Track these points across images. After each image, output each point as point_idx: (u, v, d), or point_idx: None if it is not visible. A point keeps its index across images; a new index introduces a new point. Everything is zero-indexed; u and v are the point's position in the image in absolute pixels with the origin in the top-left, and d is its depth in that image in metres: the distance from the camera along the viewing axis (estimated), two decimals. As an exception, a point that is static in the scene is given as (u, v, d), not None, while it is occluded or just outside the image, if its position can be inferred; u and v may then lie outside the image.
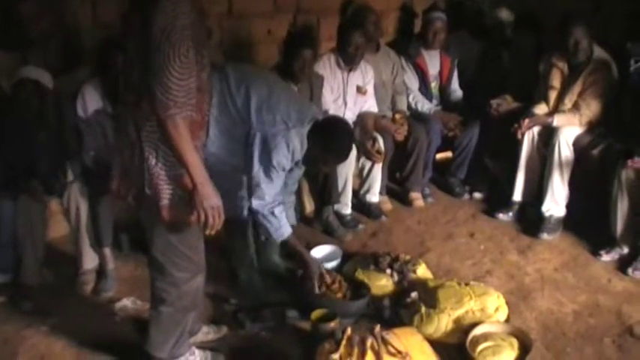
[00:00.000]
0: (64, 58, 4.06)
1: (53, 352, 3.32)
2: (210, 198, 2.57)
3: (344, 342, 2.83)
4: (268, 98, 3.29)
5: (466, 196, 5.20)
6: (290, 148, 3.29)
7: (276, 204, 3.42)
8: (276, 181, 3.36)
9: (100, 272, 3.89)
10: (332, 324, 3.23)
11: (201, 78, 2.55)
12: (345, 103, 4.64)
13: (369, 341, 2.81)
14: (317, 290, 3.55)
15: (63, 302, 3.71)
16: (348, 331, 2.89)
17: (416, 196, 5.03)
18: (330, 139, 3.42)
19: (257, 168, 3.32)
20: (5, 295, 3.75)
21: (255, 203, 3.37)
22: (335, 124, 3.55)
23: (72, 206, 3.75)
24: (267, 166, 3.30)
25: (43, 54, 3.95)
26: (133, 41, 2.53)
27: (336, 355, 2.75)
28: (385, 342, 2.84)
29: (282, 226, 3.46)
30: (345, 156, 3.61)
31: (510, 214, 4.76)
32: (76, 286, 3.84)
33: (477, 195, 5.18)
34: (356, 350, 2.78)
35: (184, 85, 2.42)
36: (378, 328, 2.92)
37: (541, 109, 4.62)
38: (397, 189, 5.20)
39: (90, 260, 3.87)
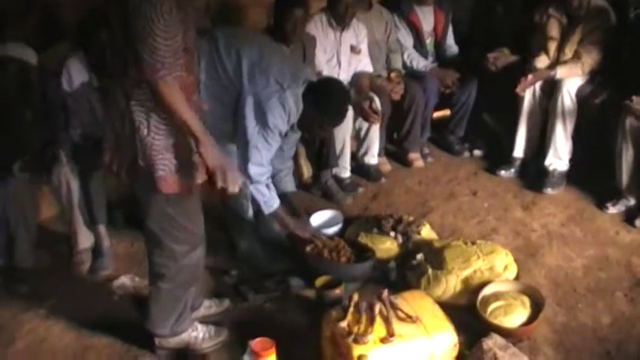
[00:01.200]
0: (45, 33, 3.91)
1: (52, 335, 3.23)
2: (216, 157, 2.53)
3: (351, 309, 2.73)
4: (260, 60, 3.18)
5: (466, 153, 5.09)
6: (286, 109, 3.19)
7: (270, 173, 3.34)
8: (272, 144, 3.27)
9: (96, 251, 3.78)
10: (337, 290, 3.15)
11: (188, 37, 2.44)
12: (339, 64, 4.50)
13: (378, 307, 2.71)
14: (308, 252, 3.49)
15: (59, 283, 3.62)
16: (355, 297, 2.80)
17: (415, 157, 4.93)
18: (326, 100, 3.30)
19: (252, 131, 3.21)
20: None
21: (254, 170, 3.27)
22: (330, 85, 3.43)
23: (62, 185, 3.62)
24: (264, 129, 3.19)
25: (22, 29, 3.79)
26: (114, 7, 2.40)
27: (343, 323, 2.65)
28: (394, 307, 2.74)
29: (273, 197, 3.39)
30: (341, 118, 3.50)
31: (512, 170, 4.66)
32: (72, 267, 3.74)
33: (477, 152, 5.07)
34: (364, 317, 2.68)
35: (171, 44, 2.34)
36: (385, 292, 2.82)
37: (542, 61, 4.49)
38: (395, 150, 5.09)
39: (85, 239, 3.76)
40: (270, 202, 3.38)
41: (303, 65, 3.59)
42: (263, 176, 3.31)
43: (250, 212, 3.68)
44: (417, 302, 2.82)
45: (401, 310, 2.72)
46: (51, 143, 3.62)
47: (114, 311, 3.36)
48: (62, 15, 4.10)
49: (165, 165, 2.53)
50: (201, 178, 2.65)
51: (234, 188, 2.59)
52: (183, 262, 2.77)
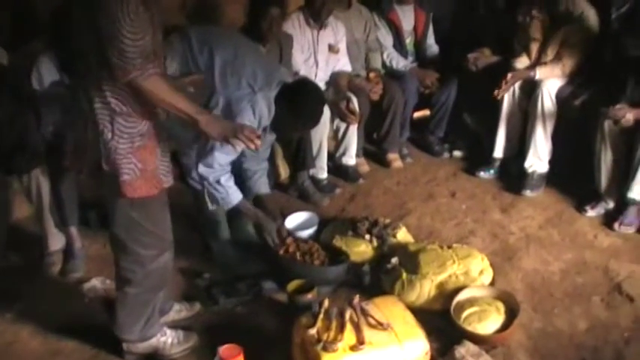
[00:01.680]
0: (17, 30, 3.82)
1: (20, 338, 3.17)
2: (216, 123, 2.55)
3: (321, 315, 2.68)
4: (233, 60, 3.13)
5: (446, 154, 5.05)
6: (256, 114, 3.12)
7: (222, 172, 3.27)
8: (231, 149, 3.18)
9: (67, 252, 3.72)
10: (309, 295, 3.10)
11: (155, 39, 2.38)
12: (317, 63, 4.44)
13: (348, 313, 2.68)
14: (274, 245, 3.43)
15: (29, 285, 3.56)
16: (326, 303, 2.76)
17: (394, 157, 4.88)
18: (299, 103, 3.23)
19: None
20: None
21: (202, 169, 3.22)
22: (304, 87, 3.35)
23: (33, 186, 3.55)
24: None
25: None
26: (78, 6, 2.34)
27: (313, 330, 2.61)
28: (365, 313, 2.70)
29: (230, 194, 3.32)
30: (314, 122, 3.44)
31: (492, 171, 4.62)
32: (42, 268, 3.68)
33: (457, 153, 5.04)
34: (334, 323, 2.64)
35: (139, 45, 2.28)
36: (357, 298, 2.78)
37: (522, 62, 4.45)
38: (374, 150, 5.03)
39: (56, 241, 3.70)
40: (228, 199, 3.31)
41: (278, 66, 3.51)
42: (211, 174, 3.24)
43: (210, 207, 3.61)
44: (388, 308, 2.77)
45: (372, 317, 2.68)
46: (22, 144, 3.54)
47: (83, 314, 3.29)
48: (36, 10, 4.02)
49: (130, 169, 2.47)
50: (167, 182, 2.60)
51: (257, 143, 2.59)
52: (151, 266, 2.72)
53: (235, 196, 3.33)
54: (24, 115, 3.52)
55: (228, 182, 3.30)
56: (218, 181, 3.25)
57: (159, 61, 2.44)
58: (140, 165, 2.48)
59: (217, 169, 3.23)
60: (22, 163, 3.53)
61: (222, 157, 3.20)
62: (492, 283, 3.29)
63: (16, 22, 3.83)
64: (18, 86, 3.51)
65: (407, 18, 4.96)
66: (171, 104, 2.42)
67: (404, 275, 3.23)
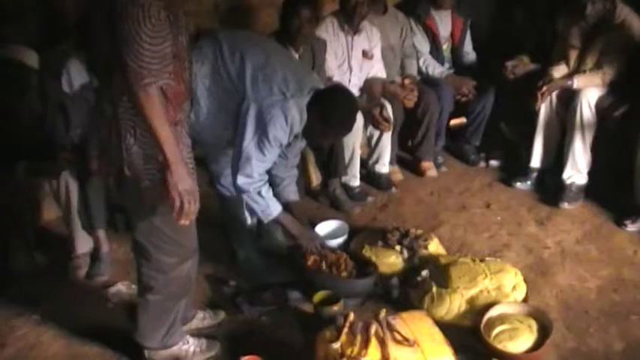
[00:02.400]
0: (48, 31, 3.83)
1: (42, 342, 3.17)
2: (184, 180, 2.38)
3: (345, 329, 2.60)
4: (264, 66, 3.05)
5: (481, 163, 4.92)
6: (288, 121, 3.04)
7: (262, 183, 3.19)
8: (268, 157, 3.13)
9: (94, 255, 3.71)
10: (335, 307, 3.02)
11: (178, 42, 2.33)
12: (351, 69, 4.36)
13: (373, 328, 2.58)
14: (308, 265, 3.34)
15: (55, 288, 3.55)
16: (351, 316, 2.67)
17: (428, 166, 4.77)
18: (331, 110, 3.14)
19: (248, 141, 3.07)
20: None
21: (242, 181, 3.14)
22: (336, 93, 3.26)
23: (61, 188, 3.57)
24: (262, 140, 3.06)
25: (24, 28, 3.72)
26: (99, 6, 2.30)
27: (336, 345, 2.52)
28: (391, 328, 2.61)
29: (270, 205, 3.23)
30: (346, 129, 3.35)
31: (528, 182, 4.49)
32: (69, 271, 3.66)
33: (493, 162, 4.90)
34: (359, 338, 2.55)
35: (158, 50, 2.22)
36: (383, 313, 2.69)
37: (560, 70, 4.32)
38: (409, 158, 4.94)
39: (83, 244, 3.68)
40: (268, 211, 3.24)
41: (310, 72, 3.43)
42: (251, 185, 3.16)
43: (250, 221, 3.58)
44: (416, 324, 2.68)
45: (398, 332, 2.58)
46: (50, 146, 3.55)
47: (107, 319, 3.27)
48: (67, 12, 4.03)
49: (151, 175, 2.43)
50: None
51: (185, 221, 2.44)
52: (172, 274, 2.67)
53: (275, 207, 3.25)
54: (53, 117, 3.53)
55: (268, 193, 3.23)
56: (259, 193, 3.18)
57: (182, 64, 2.39)
58: (161, 173, 2.42)
59: (257, 179, 3.15)
60: (50, 166, 3.54)
61: (261, 166, 3.14)
62: (525, 299, 3.17)
63: (47, 24, 3.83)
64: (47, 88, 3.52)
65: (444, 24, 4.87)
66: (157, 130, 2.29)
67: (434, 289, 3.14)
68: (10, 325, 3.28)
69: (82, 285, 3.60)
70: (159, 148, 2.32)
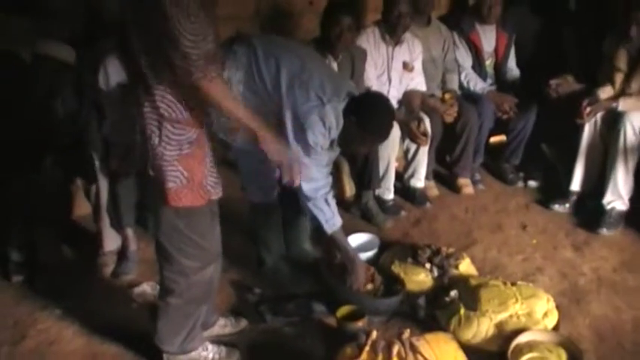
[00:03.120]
0: (88, 28, 3.83)
1: (63, 337, 3.16)
2: (277, 151, 2.54)
3: (367, 347, 2.53)
4: (301, 72, 3.00)
5: (520, 183, 4.81)
6: (327, 126, 2.98)
7: (329, 188, 3.13)
8: (320, 159, 3.06)
9: (121, 254, 3.69)
10: (359, 323, 2.95)
11: (214, 43, 2.31)
12: (390, 80, 4.30)
13: (396, 348, 2.51)
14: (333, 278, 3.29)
15: (80, 284, 3.56)
16: (373, 334, 2.59)
17: (464, 182, 4.68)
18: (368, 116, 3.07)
19: (295, 146, 3.00)
20: (21, 274, 3.59)
21: (307, 187, 3.05)
22: (373, 99, 3.21)
23: (92, 185, 3.55)
24: (305, 147, 3.00)
25: (66, 24, 3.72)
26: (131, 8, 2.28)
27: (357, 363, 2.46)
28: (414, 350, 2.53)
29: (335, 215, 3.16)
30: (384, 136, 3.28)
31: (567, 205, 4.36)
32: (95, 268, 3.66)
33: (532, 183, 4.79)
34: (380, 357, 2.49)
35: (202, 47, 2.22)
36: (407, 333, 2.61)
37: (606, 92, 4.19)
38: (446, 174, 4.85)
39: (110, 241, 3.69)
40: (333, 221, 3.16)
41: (346, 79, 3.38)
42: (318, 191, 3.09)
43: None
44: (440, 347, 2.60)
45: (421, 355, 2.51)
46: (82, 142, 3.55)
47: (130, 319, 3.24)
48: (107, 10, 4.03)
49: (175, 177, 2.40)
50: (216, 194, 2.51)
51: (295, 181, 2.59)
52: (194, 278, 2.63)
53: (338, 219, 3.18)
54: (86, 114, 3.53)
55: (334, 202, 3.17)
56: (326, 200, 3.12)
57: (217, 65, 2.36)
58: (186, 173, 2.41)
59: (322, 183, 3.10)
60: (84, 165, 3.55)
61: (316, 167, 3.06)
62: (556, 327, 3.06)
63: (88, 22, 3.83)
64: (83, 84, 3.52)
65: (488, 39, 4.77)
66: (234, 112, 2.42)
67: (462, 311, 3.05)
68: (33, 318, 3.28)
69: (107, 283, 3.59)
70: (241, 123, 2.46)
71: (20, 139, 3.41)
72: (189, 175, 2.41)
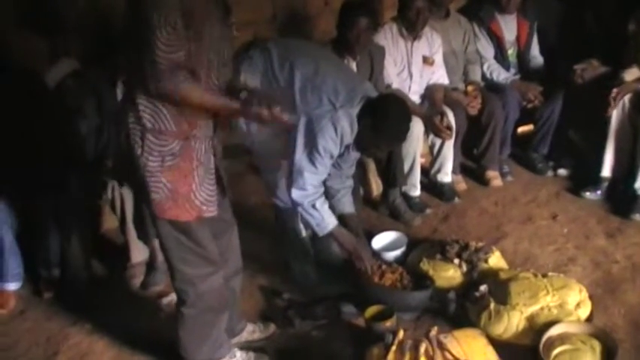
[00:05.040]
0: (105, 43, 3.86)
1: (94, 351, 3.20)
2: (258, 111, 2.33)
3: (394, 347, 2.50)
4: (314, 76, 2.98)
5: (549, 172, 4.70)
6: (338, 132, 2.96)
7: (317, 196, 3.12)
8: (320, 168, 3.05)
9: (150, 265, 3.71)
10: (387, 323, 2.91)
11: (199, 58, 2.28)
12: (411, 76, 4.25)
13: (423, 346, 2.48)
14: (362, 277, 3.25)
15: (110, 297, 3.59)
16: (400, 334, 2.57)
17: (493, 175, 4.60)
18: (383, 119, 3.02)
19: (300, 154, 3.01)
20: (52, 291, 3.63)
21: (296, 194, 3.07)
22: (388, 101, 3.15)
23: (116, 198, 3.60)
24: (312, 152, 2.99)
25: (85, 40, 3.77)
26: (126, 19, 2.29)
27: (384, 364, 2.43)
28: (442, 347, 2.49)
29: (325, 219, 3.15)
30: (400, 139, 3.25)
31: (599, 192, 4.27)
32: (124, 280, 3.69)
33: (562, 171, 4.68)
34: (407, 357, 2.46)
35: (172, 58, 2.19)
36: (434, 330, 2.58)
37: (632, 73, 4.08)
38: (473, 167, 4.78)
39: (138, 253, 3.70)
40: (323, 224, 3.16)
41: (362, 81, 3.32)
42: (306, 198, 3.09)
43: (304, 233, 3.53)
44: (469, 343, 2.56)
45: (449, 352, 2.47)
46: (104, 155, 3.58)
47: (159, 330, 3.22)
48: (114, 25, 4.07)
49: (158, 188, 2.39)
50: (209, 212, 2.50)
51: (286, 118, 2.39)
52: (202, 287, 2.60)
53: (330, 221, 3.17)
54: (108, 129, 3.56)
55: (324, 206, 3.16)
56: (313, 206, 3.11)
57: (211, 72, 2.34)
58: (170, 185, 2.38)
59: (311, 192, 3.09)
60: (105, 177, 3.58)
61: (314, 178, 3.06)
62: (590, 318, 3.00)
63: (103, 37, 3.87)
64: (102, 99, 3.55)
65: (509, 28, 4.69)
66: (209, 105, 2.34)
67: (492, 305, 3.00)
68: (65, 333, 3.32)
69: (136, 294, 3.62)
70: (223, 110, 2.40)
71: (45, 158, 3.46)
72: (173, 187, 2.38)
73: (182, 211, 2.42)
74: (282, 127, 2.64)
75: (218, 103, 2.35)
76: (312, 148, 2.97)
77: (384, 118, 3.01)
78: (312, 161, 2.99)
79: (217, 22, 2.30)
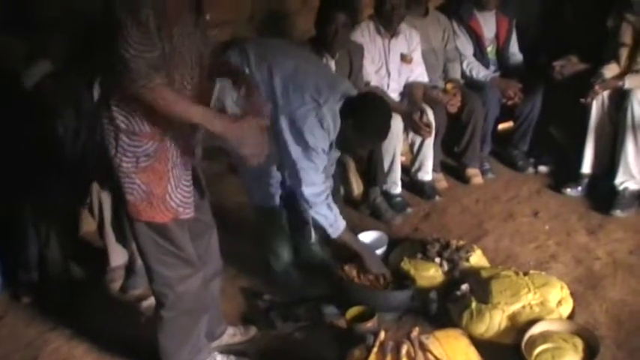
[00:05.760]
0: (82, 44, 3.81)
1: (74, 356, 3.16)
2: (241, 136, 2.28)
3: (375, 348, 2.48)
4: (294, 75, 2.96)
5: (530, 169, 4.71)
6: (325, 127, 2.94)
7: (328, 191, 3.09)
8: (318, 162, 3.02)
9: (129, 268, 3.65)
10: (369, 323, 2.89)
11: (172, 59, 2.24)
12: (389, 73, 4.24)
13: (405, 348, 2.46)
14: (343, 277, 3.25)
15: (89, 301, 3.54)
16: (382, 335, 2.55)
17: (473, 173, 4.60)
18: (364, 117, 3.00)
19: (295, 153, 2.97)
20: (31, 295, 3.58)
21: (309, 191, 3.01)
22: (368, 100, 3.14)
23: (94, 201, 3.56)
24: (306, 150, 2.96)
25: (62, 41, 3.72)
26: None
27: (365, 366, 2.41)
28: (424, 348, 2.48)
29: (338, 218, 3.12)
30: (382, 137, 3.23)
31: (579, 188, 4.27)
32: (103, 284, 3.64)
33: (543, 168, 4.69)
34: (389, 358, 2.43)
35: (147, 57, 2.12)
36: (415, 331, 2.56)
37: (611, 69, 4.10)
38: (454, 165, 4.78)
39: (117, 256, 3.65)
40: (336, 224, 3.12)
41: (341, 78, 3.31)
42: (320, 196, 3.05)
43: (313, 238, 3.52)
44: (450, 344, 2.55)
45: (431, 353, 2.46)
46: (83, 157, 3.53)
47: (139, 334, 3.17)
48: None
49: (133, 189, 2.35)
50: (186, 214, 2.46)
51: (259, 159, 2.35)
52: (180, 289, 2.56)
53: (342, 222, 3.14)
54: (86, 131, 3.52)
55: (335, 206, 3.13)
56: (329, 205, 3.08)
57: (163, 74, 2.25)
58: (144, 187, 2.34)
59: (322, 187, 3.06)
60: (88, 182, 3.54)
61: (317, 173, 3.02)
62: (572, 315, 3.00)
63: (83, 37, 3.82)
64: (80, 101, 3.50)
65: (488, 25, 4.69)
66: (186, 116, 2.24)
67: (473, 304, 2.99)
68: (44, 339, 3.27)
69: (115, 298, 3.57)
70: (196, 123, 2.28)
71: (23, 160, 3.41)
72: (148, 189, 2.34)
73: (157, 212, 2.38)
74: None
75: (194, 116, 2.25)
76: (304, 146, 2.94)
77: (366, 116, 2.99)
78: (309, 158, 2.96)
79: (189, 23, 2.27)
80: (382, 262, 3.38)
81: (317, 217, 3.10)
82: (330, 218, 3.10)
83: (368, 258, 3.26)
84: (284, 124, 2.94)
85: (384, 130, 3.16)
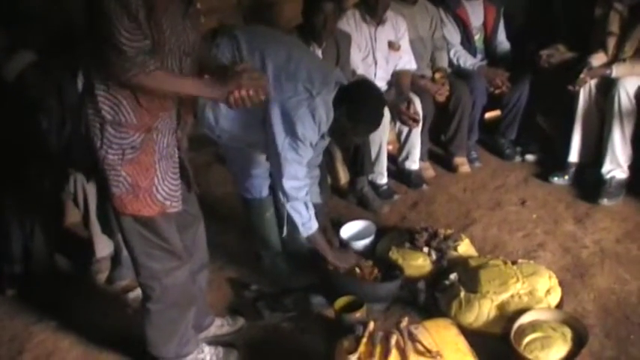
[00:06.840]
0: (65, 34, 3.75)
1: (60, 348, 3.14)
2: (222, 86, 2.29)
3: (364, 339, 2.47)
4: (287, 64, 2.91)
5: (517, 158, 4.71)
6: (316, 119, 2.88)
7: (307, 187, 3.06)
8: (304, 155, 2.97)
9: (115, 259, 3.63)
10: (357, 314, 2.87)
11: (179, 39, 2.24)
12: (376, 61, 4.20)
13: (394, 338, 2.45)
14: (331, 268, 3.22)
15: (75, 292, 3.53)
16: (371, 326, 2.53)
17: (461, 161, 4.59)
18: (358, 106, 2.96)
19: (281, 144, 2.91)
20: (15, 287, 3.54)
21: (289, 184, 2.97)
22: (363, 88, 3.10)
23: (79, 192, 3.51)
24: (294, 141, 2.90)
25: (44, 31, 3.65)
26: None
27: (354, 356, 2.39)
28: (413, 338, 2.47)
29: (312, 218, 3.08)
30: (376, 124, 3.17)
31: (566, 177, 4.27)
32: (89, 275, 3.61)
33: (530, 157, 4.68)
34: (378, 349, 2.42)
35: (138, 46, 2.12)
36: (405, 321, 2.55)
37: (598, 58, 4.08)
38: (441, 154, 4.77)
39: (103, 247, 3.62)
40: (309, 224, 3.08)
41: (334, 68, 3.27)
42: (300, 191, 3.01)
43: (285, 232, 3.47)
44: (440, 333, 2.53)
45: (420, 343, 2.44)
46: (68, 148, 3.48)
47: (126, 325, 3.18)
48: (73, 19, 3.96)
49: (118, 182, 2.33)
50: (173, 208, 2.43)
51: (259, 97, 2.34)
52: (167, 281, 2.55)
53: (314, 223, 3.10)
54: (71, 122, 3.47)
55: (312, 206, 3.10)
56: (306, 203, 3.05)
57: (156, 58, 2.24)
58: (130, 179, 2.32)
59: (304, 182, 3.02)
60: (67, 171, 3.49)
61: (301, 166, 2.98)
62: (560, 304, 2.99)
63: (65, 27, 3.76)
64: (63, 91, 3.45)
65: (476, 13, 4.66)
66: (182, 90, 2.28)
67: (462, 293, 2.98)
68: (29, 331, 3.25)
69: (102, 290, 3.54)
70: (196, 95, 2.40)
71: (6, 151, 3.36)
72: (133, 181, 2.32)
73: (143, 205, 2.36)
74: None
75: (190, 88, 2.30)
76: (292, 137, 2.89)
77: (360, 105, 2.95)
78: (295, 150, 2.91)
79: (178, 12, 2.23)
80: (354, 255, 3.34)
81: (292, 213, 3.06)
82: (305, 217, 3.06)
83: (332, 258, 3.20)
84: (274, 111, 2.90)
85: (378, 117, 3.11)
